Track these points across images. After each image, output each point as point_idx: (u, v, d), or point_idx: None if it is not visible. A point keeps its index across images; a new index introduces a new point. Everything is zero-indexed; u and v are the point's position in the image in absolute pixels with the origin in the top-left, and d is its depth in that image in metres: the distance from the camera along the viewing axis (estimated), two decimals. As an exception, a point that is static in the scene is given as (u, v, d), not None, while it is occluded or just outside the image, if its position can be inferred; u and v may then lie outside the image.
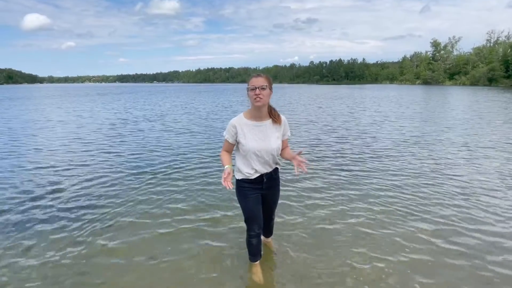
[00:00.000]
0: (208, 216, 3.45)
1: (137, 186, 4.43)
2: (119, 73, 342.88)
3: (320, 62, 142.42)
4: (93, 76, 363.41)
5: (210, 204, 3.77)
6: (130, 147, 7.13)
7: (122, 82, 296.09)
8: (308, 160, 5.77)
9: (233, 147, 2.24)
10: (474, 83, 64.26)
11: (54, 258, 2.65)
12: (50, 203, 3.85)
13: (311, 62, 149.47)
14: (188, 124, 11.15)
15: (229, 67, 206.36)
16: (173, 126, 10.62)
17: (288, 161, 2.26)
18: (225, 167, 2.10)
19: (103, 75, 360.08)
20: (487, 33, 77.25)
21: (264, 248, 2.69)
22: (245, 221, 2.31)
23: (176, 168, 5.35)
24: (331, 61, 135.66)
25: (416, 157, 6.02)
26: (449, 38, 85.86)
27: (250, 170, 2.18)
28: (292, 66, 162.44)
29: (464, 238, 2.94)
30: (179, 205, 3.74)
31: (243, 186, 2.24)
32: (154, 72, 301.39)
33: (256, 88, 2.01)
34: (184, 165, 5.54)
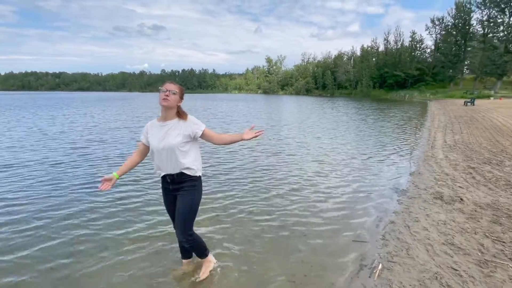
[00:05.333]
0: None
1: None
2: None
3: (172, 70, 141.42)
4: None
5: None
6: None
7: None
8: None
9: (145, 149, 2.39)
10: (298, 92, 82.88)
11: None
12: None
13: (163, 70, 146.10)
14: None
15: (60, 72, 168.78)
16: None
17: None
18: (112, 173, 2.30)
19: None
20: (302, 54, 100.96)
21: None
22: None
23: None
24: (183, 70, 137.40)
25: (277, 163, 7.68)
26: (278, 56, 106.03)
27: (154, 166, 2.35)
28: (142, 73, 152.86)
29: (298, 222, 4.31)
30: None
31: (161, 184, 2.46)
32: None
33: (167, 90, 2.20)
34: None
